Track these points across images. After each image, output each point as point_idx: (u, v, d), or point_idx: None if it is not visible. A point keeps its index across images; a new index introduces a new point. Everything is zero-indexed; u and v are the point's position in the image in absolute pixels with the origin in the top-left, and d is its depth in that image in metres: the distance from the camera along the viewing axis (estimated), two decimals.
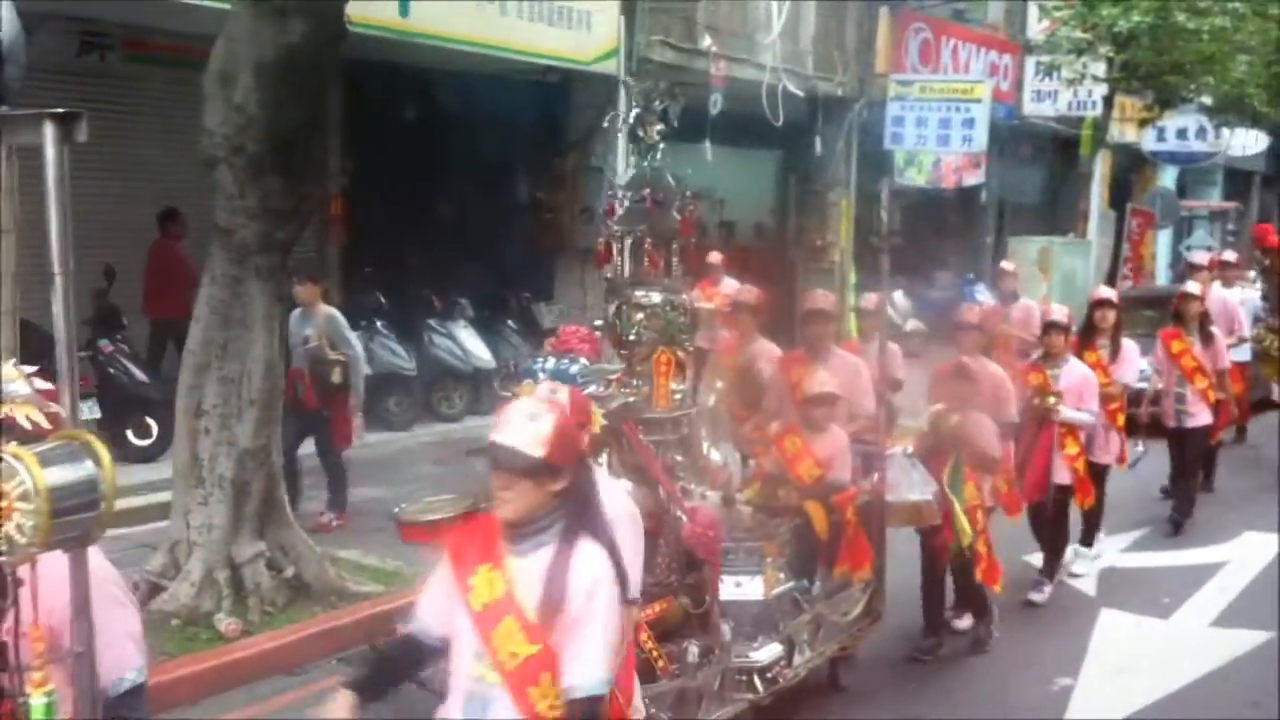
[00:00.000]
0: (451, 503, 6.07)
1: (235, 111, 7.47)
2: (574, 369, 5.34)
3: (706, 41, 16.39)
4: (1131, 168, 28.68)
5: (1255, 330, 13.49)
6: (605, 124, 6.17)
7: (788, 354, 8.28)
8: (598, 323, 6.38)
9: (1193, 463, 11.25)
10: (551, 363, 5.38)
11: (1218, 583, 9.71)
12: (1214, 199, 32.47)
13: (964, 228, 24.84)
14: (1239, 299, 13.58)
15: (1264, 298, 14.25)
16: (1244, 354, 13.08)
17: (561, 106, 15.72)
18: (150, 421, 11.05)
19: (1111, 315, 9.59)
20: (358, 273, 14.67)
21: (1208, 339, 10.88)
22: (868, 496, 7.17)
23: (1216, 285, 13.25)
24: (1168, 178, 29.39)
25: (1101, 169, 24.58)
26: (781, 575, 6.38)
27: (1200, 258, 13.77)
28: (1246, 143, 29.40)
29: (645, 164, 6.24)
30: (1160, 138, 26.02)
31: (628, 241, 6.12)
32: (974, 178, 21.98)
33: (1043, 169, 27.39)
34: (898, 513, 7.33)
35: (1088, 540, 9.80)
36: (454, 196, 15.15)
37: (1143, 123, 24.12)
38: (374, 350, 12.64)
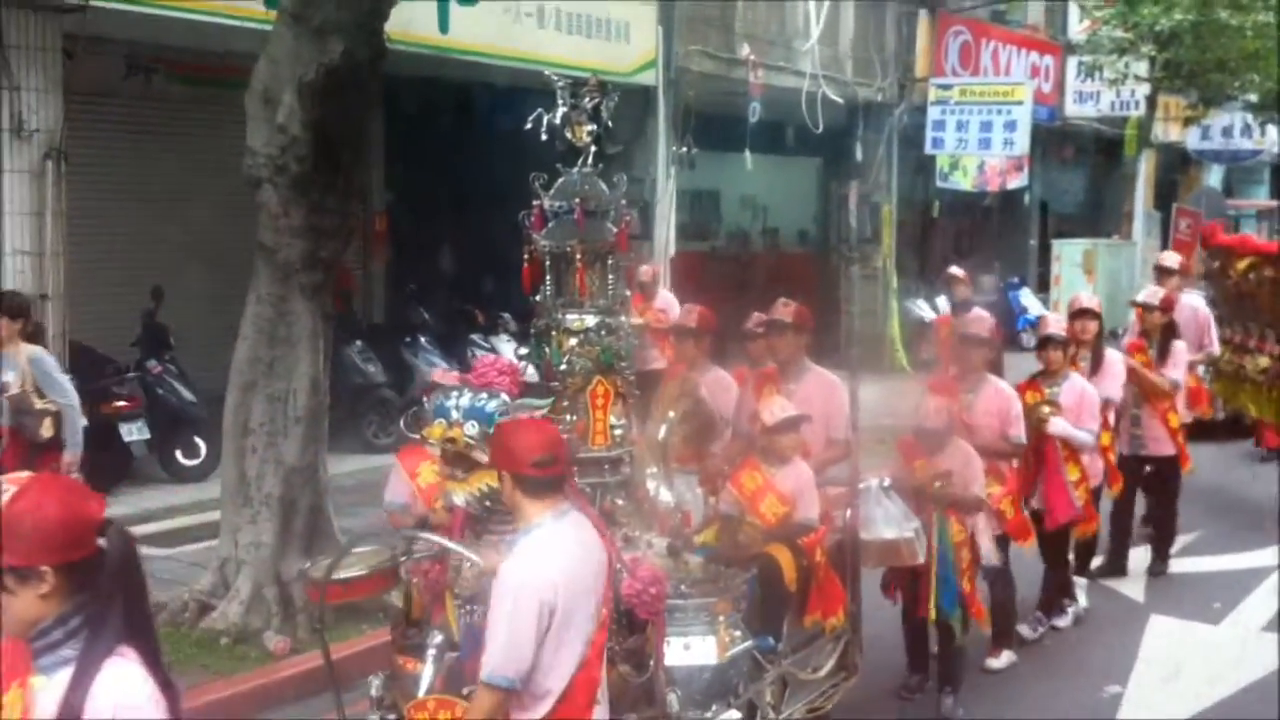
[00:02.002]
0: (368, 557, 5.43)
1: (278, 132, 7.50)
2: (492, 405, 4.84)
3: (745, 50, 16.38)
4: (1176, 167, 28.44)
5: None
6: (529, 125, 5.62)
7: (760, 370, 7.52)
8: (522, 351, 5.88)
9: (1169, 495, 9.92)
10: (466, 398, 4.87)
11: (1269, 587, 9.60)
12: (1261, 197, 32.11)
13: (1007, 231, 24.70)
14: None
15: (1210, 303, 12.21)
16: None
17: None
18: (199, 441, 11.17)
19: (1093, 326, 8.78)
20: (401, 289, 14.78)
21: (1165, 354, 9.67)
22: (839, 535, 6.53)
23: (1186, 293, 11.63)
24: (1213, 177, 29.12)
25: (1145, 169, 24.38)
26: (738, 633, 5.57)
27: (1170, 259, 11.74)
28: None
29: (575, 170, 5.51)
30: (1205, 136, 25.80)
31: (556, 258, 5.44)
32: (1018, 180, 21.87)
33: (1086, 170, 27.21)
34: (874, 552, 6.66)
35: (1080, 570, 9.10)
36: (496, 211, 15.19)
37: (1187, 121, 23.96)
38: (417, 365, 12.72)
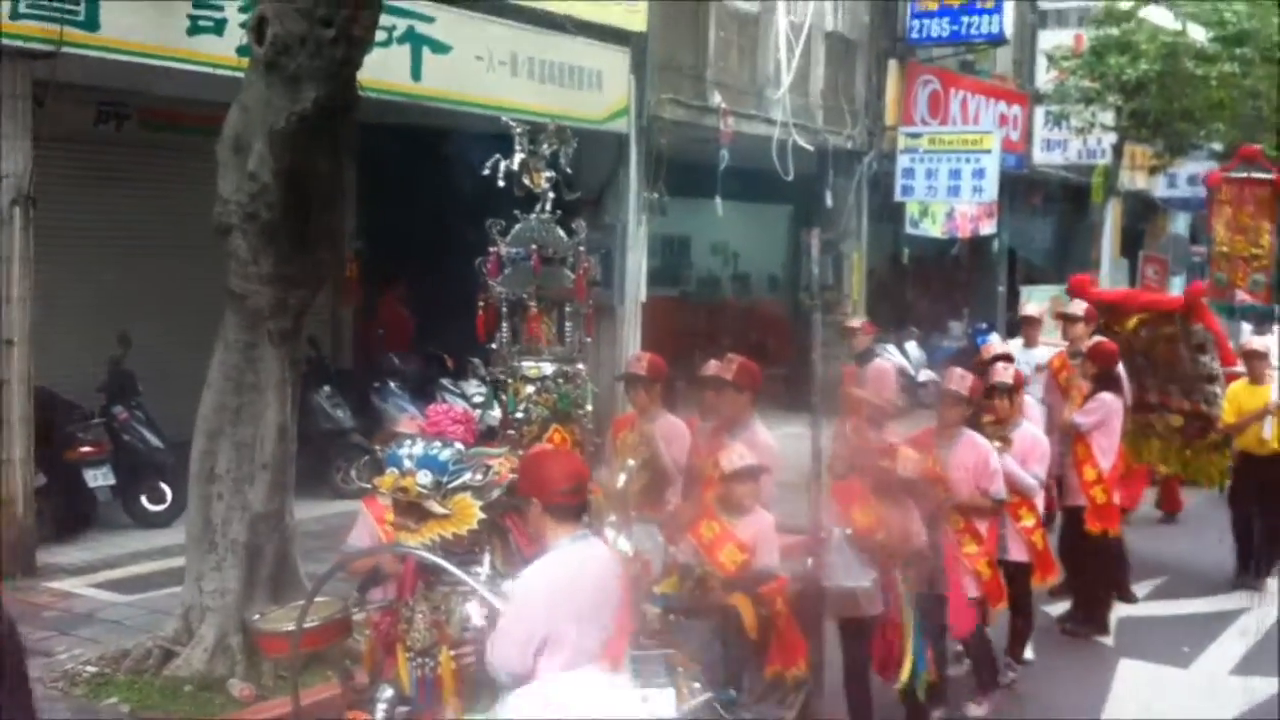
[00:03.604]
0: (319, 609, 5.33)
1: (249, 179, 7.48)
2: (445, 454, 4.82)
3: (716, 98, 16.50)
4: (1142, 215, 28.67)
5: None
6: (486, 171, 5.65)
7: (715, 425, 7.51)
8: (478, 399, 5.85)
9: (1073, 546, 9.49)
10: (419, 448, 4.85)
11: (1237, 629, 9.65)
12: None
13: (976, 277, 24.84)
14: None
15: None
16: None
17: (574, 165, 15.81)
18: (164, 487, 11.09)
19: (1019, 371, 8.55)
20: (371, 335, 14.75)
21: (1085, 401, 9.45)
22: (800, 584, 6.50)
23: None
24: (1179, 224, 29.37)
25: (1113, 217, 24.57)
26: (697, 685, 5.47)
27: (1076, 307, 10.53)
28: None
29: (533, 216, 5.56)
30: (1171, 184, 26.03)
31: (513, 305, 5.46)
32: (989, 227, 22.02)
33: (1054, 218, 27.41)
34: (832, 602, 6.61)
35: (1016, 653, 8.59)
36: (468, 257, 15.22)
37: (1153, 170, 24.13)
38: (386, 410, 12.67)
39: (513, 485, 4.90)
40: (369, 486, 5.17)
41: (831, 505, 6.90)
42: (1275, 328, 15.49)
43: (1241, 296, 16.13)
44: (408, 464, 4.83)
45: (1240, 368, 10.86)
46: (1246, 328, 14.84)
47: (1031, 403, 8.88)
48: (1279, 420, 10.49)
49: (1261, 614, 10.00)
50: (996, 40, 20.80)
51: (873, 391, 9.86)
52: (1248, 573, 10.74)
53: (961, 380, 7.80)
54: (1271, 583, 10.67)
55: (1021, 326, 11.76)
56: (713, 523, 6.45)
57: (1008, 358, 8.97)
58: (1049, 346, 11.08)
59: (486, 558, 4.97)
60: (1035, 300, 19.68)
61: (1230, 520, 10.88)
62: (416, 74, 12.57)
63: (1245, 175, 16.21)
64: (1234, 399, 10.59)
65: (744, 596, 6.23)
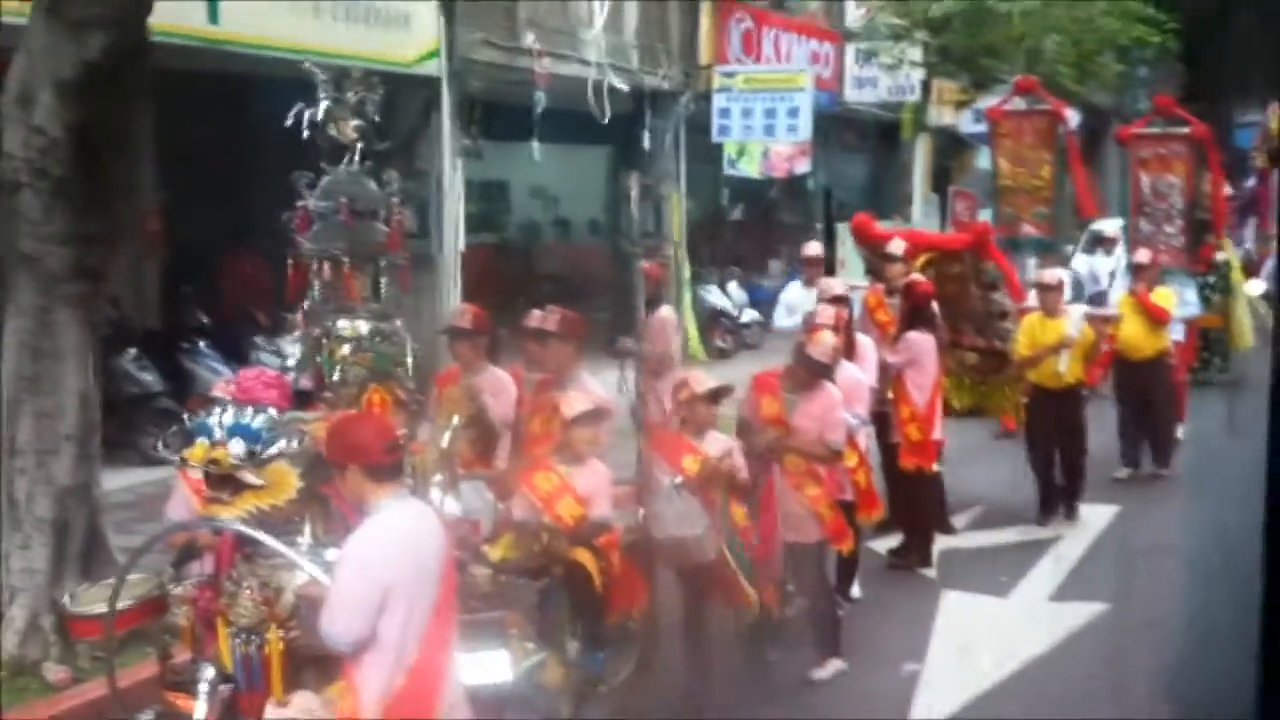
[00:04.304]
0: (133, 587, 5.14)
1: (36, 133, 7.11)
2: (258, 421, 4.64)
3: (529, 39, 16.23)
4: (951, 151, 29.34)
5: None
6: (289, 122, 5.45)
7: (541, 379, 7.44)
8: (290, 362, 5.69)
9: (892, 488, 9.61)
10: (230, 415, 4.64)
11: (1053, 557, 9.98)
12: None
13: (793, 216, 25.12)
14: None
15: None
16: None
17: (384, 110, 15.37)
18: None
19: (844, 312, 8.47)
20: (177, 291, 14.19)
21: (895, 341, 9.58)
22: (633, 535, 6.59)
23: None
24: (985, 159, 30.11)
25: (923, 153, 25.05)
26: (530, 645, 5.55)
27: (895, 246, 10.13)
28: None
29: (341, 168, 5.37)
30: (976, 119, 26.61)
31: (324, 262, 5.28)
32: (804, 166, 22.22)
33: (867, 155, 27.84)
34: (664, 550, 6.76)
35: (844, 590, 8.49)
36: (278, 209, 14.71)
37: (959, 105, 24.65)
38: (196, 371, 12.21)
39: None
40: (178, 459, 4.93)
41: (656, 453, 6.91)
42: (1074, 254, 15.89)
43: (1027, 229, 16.57)
44: (219, 433, 4.63)
45: (1032, 302, 10.98)
46: (1032, 262, 15.08)
47: (866, 342, 8.87)
48: (1073, 353, 10.60)
49: (1073, 541, 10.35)
50: None
51: (655, 342, 9.85)
52: (1053, 508, 10.85)
53: (819, 347, 7.55)
54: (1082, 509, 10.97)
55: (803, 266, 11.70)
56: (550, 474, 6.37)
57: (841, 299, 8.82)
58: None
59: (307, 527, 4.80)
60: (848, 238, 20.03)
61: (1028, 456, 10.91)
62: (214, 17, 12.03)
63: (1024, 107, 16.57)
64: (1028, 332, 10.59)
65: (586, 550, 6.20)
